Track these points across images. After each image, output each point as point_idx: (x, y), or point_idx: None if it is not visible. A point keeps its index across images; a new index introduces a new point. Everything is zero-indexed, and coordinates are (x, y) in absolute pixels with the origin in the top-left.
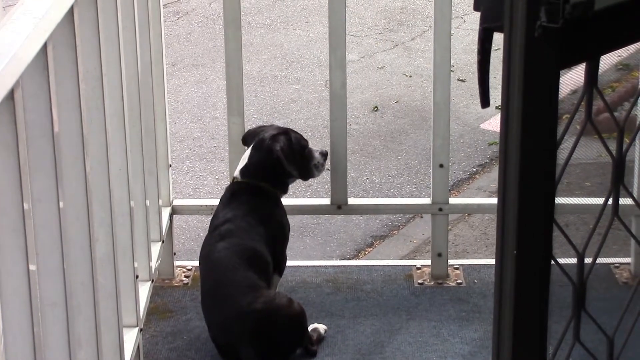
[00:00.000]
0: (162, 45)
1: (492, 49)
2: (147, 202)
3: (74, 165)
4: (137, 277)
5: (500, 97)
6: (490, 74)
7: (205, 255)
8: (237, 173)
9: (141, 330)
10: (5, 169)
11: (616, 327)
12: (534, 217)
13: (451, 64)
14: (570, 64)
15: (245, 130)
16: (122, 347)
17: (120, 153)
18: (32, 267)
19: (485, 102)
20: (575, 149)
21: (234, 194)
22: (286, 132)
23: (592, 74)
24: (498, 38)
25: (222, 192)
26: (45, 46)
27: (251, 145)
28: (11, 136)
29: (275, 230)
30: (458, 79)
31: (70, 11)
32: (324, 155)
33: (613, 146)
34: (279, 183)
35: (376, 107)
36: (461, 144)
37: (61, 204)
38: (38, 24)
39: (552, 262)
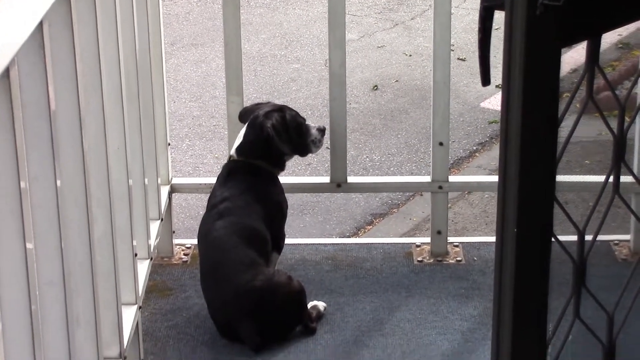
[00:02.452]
0: (161, 24)
1: (493, 28)
2: (146, 180)
3: (71, 145)
4: (136, 255)
5: (500, 75)
6: (490, 52)
7: (204, 234)
8: (233, 151)
9: (140, 308)
10: (1, 148)
11: (616, 303)
12: (534, 194)
13: (451, 43)
14: (571, 42)
15: None
16: (121, 325)
17: (118, 132)
18: (29, 246)
19: (485, 80)
20: (579, 121)
21: (231, 172)
22: (281, 109)
23: (593, 52)
24: (499, 17)
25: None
26: (41, 24)
27: (246, 123)
28: (7, 115)
29: (272, 208)
30: (458, 58)
31: None
32: (321, 131)
33: (612, 124)
34: (275, 160)
35: (376, 86)
36: (461, 122)
37: (58, 183)
38: (33, 2)
39: (552, 239)
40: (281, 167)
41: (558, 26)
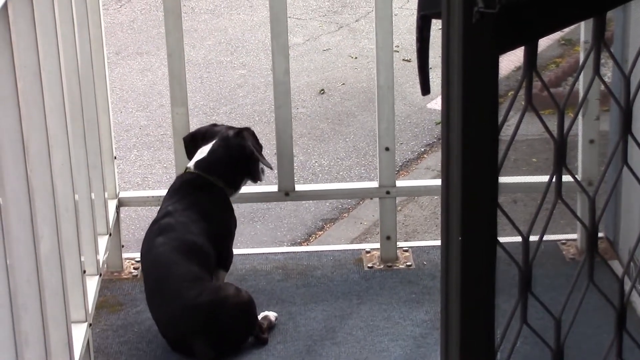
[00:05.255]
0: (102, 36)
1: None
2: (92, 195)
3: (15, 163)
4: (85, 272)
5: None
6: (431, 53)
7: (146, 252)
8: (191, 164)
9: (90, 325)
10: None
11: (563, 307)
12: (477, 202)
13: (396, 45)
14: (508, 48)
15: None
16: (71, 343)
17: (62, 148)
18: None
19: (425, 89)
20: (519, 129)
21: (181, 185)
22: (248, 129)
23: (530, 58)
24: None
25: (171, 181)
26: None
27: (213, 142)
28: None
29: (217, 227)
30: (403, 59)
31: (5, 6)
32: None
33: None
34: (232, 181)
35: (323, 90)
36: (408, 124)
37: (1, 201)
38: None
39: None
40: (237, 189)
41: (494, 33)
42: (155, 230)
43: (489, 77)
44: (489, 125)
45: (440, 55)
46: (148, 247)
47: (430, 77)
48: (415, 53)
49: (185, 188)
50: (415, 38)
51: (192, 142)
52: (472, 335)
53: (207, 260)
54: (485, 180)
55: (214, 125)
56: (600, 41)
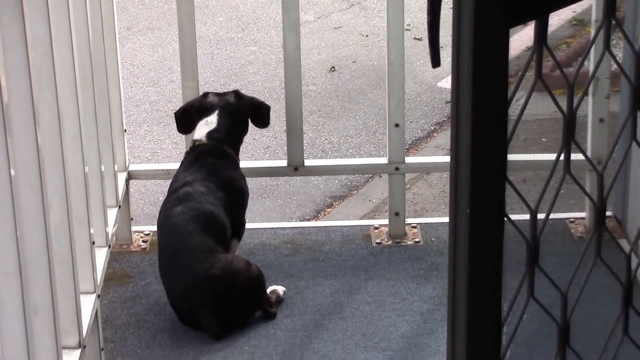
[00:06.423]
0: (114, 9)
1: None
2: (102, 167)
3: (25, 134)
4: (94, 243)
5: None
6: (442, 32)
7: (163, 221)
8: (201, 136)
9: (99, 296)
10: None
11: (569, 282)
12: (486, 175)
13: (407, 23)
14: (519, 21)
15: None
16: (80, 313)
17: (73, 120)
18: None
19: (435, 62)
20: (526, 107)
21: (198, 156)
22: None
23: (541, 32)
24: None
25: (180, 155)
26: None
27: (216, 111)
28: None
29: (234, 195)
30: (414, 38)
31: None
32: None
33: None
34: (238, 148)
35: (333, 67)
36: (419, 102)
37: (12, 172)
38: None
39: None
40: (238, 154)
41: (505, 6)
42: (174, 199)
43: (499, 51)
44: (499, 98)
45: (451, 33)
46: (165, 217)
47: (440, 53)
48: (426, 26)
49: (203, 158)
50: (426, 10)
51: (185, 115)
52: (479, 310)
53: (222, 232)
54: (494, 153)
55: (204, 96)
56: (610, 16)
